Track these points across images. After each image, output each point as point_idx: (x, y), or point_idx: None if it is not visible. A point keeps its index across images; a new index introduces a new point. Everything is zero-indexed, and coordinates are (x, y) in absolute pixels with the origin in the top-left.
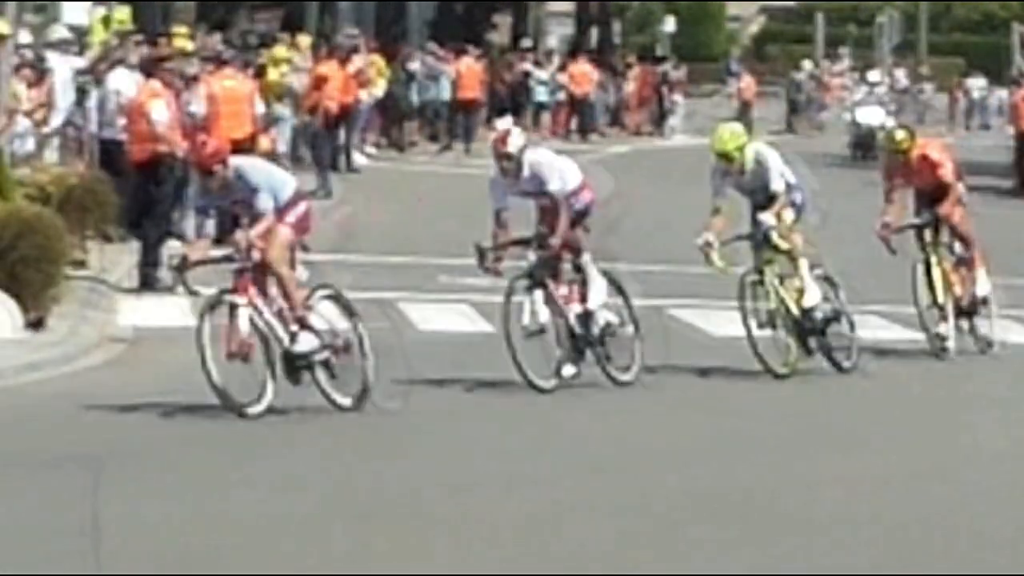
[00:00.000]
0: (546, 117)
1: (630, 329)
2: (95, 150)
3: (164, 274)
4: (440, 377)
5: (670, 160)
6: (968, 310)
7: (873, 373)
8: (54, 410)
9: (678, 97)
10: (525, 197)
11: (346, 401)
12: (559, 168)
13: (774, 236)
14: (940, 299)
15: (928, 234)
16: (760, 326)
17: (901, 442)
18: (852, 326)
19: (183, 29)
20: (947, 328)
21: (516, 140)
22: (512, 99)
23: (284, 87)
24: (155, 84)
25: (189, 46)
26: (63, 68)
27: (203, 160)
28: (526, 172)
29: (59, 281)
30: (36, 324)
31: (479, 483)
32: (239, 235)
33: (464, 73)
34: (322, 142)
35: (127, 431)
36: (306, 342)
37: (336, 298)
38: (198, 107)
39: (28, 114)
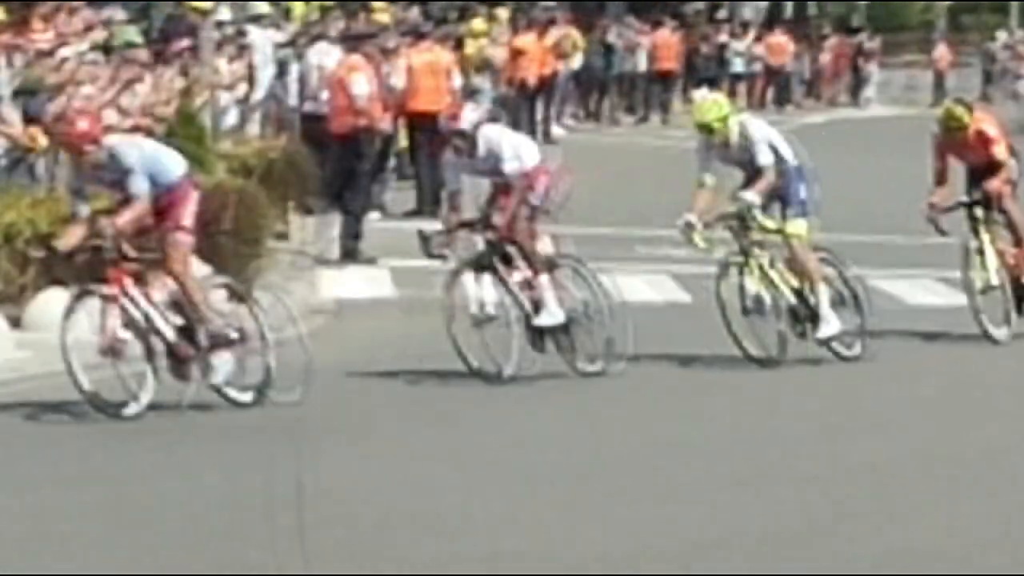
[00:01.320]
0: (742, 88)
1: (600, 318)
2: (296, 123)
3: (365, 246)
4: (642, 347)
5: (866, 130)
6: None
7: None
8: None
9: (873, 67)
10: (480, 176)
11: (245, 396)
12: (515, 146)
13: (757, 215)
14: (994, 281)
15: (980, 212)
16: (744, 312)
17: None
18: (860, 309)
19: (381, 3)
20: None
21: (469, 116)
22: (708, 70)
23: (482, 60)
24: (356, 58)
25: (387, 19)
26: (264, 42)
27: (73, 141)
28: (481, 150)
29: (262, 254)
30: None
31: (684, 445)
32: (104, 222)
33: (661, 44)
34: (520, 114)
35: (329, 400)
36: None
37: (228, 286)
38: (398, 80)
39: (229, 88)
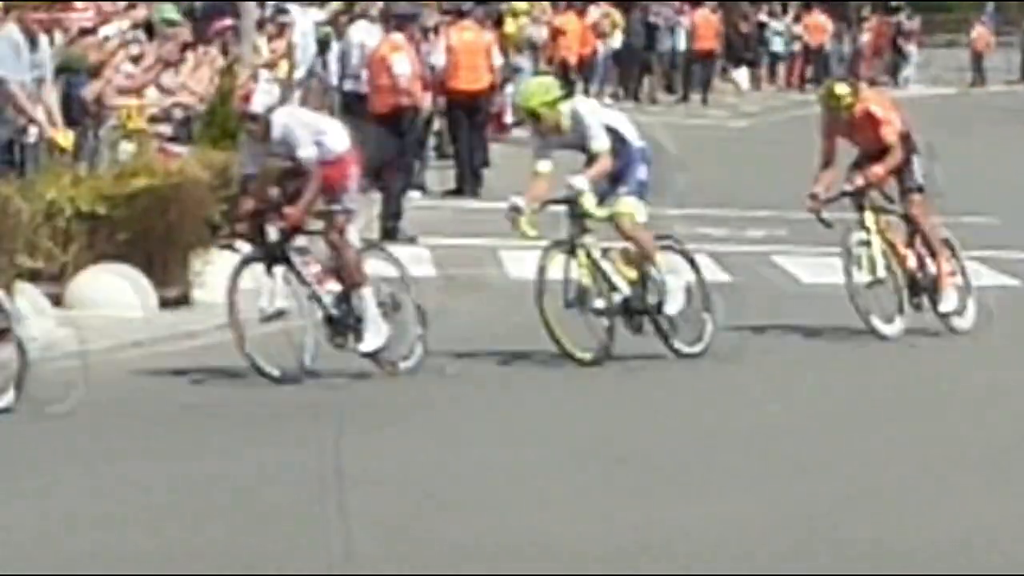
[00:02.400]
0: (781, 67)
1: (411, 311)
2: (336, 102)
3: (405, 225)
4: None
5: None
6: (924, 287)
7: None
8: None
9: (912, 47)
10: (279, 161)
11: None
12: (315, 131)
13: (585, 202)
14: (881, 274)
15: (867, 201)
16: (567, 304)
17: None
18: (709, 306)
19: None
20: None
21: (261, 99)
22: (747, 50)
23: (523, 38)
24: (396, 37)
25: None
26: (304, 21)
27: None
28: (276, 134)
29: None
30: None
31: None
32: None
33: (700, 24)
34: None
35: (370, 380)
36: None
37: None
38: (438, 59)
39: (269, 67)
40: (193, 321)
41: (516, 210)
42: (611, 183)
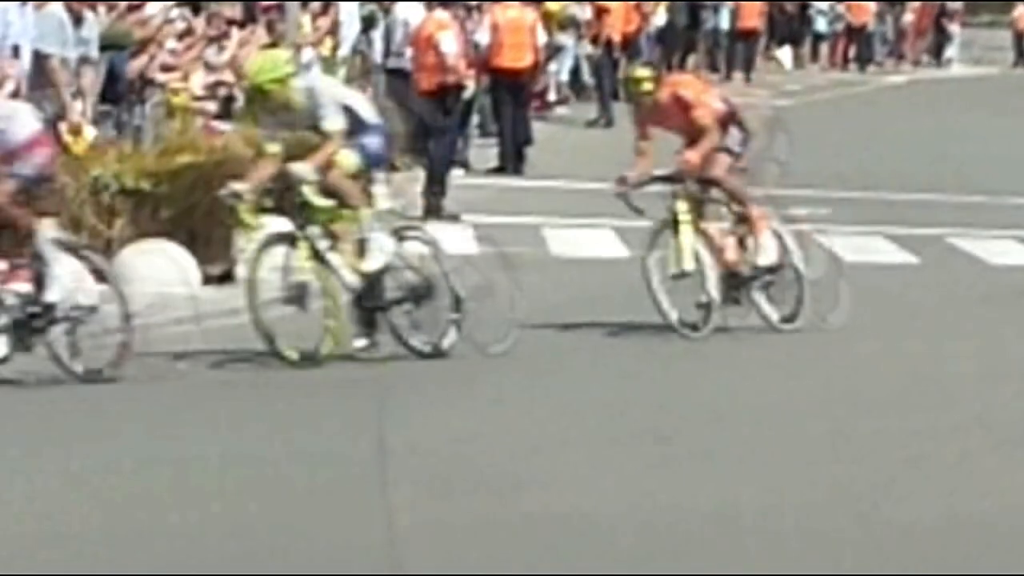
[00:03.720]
0: (824, 47)
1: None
2: (381, 79)
3: (448, 202)
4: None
5: (947, 90)
6: (749, 278)
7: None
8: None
9: (955, 27)
10: None
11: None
12: (5, 116)
13: (307, 192)
14: (688, 266)
15: (679, 188)
16: (286, 301)
17: None
18: (458, 304)
19: None
20: (709, 296)
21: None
22: (791, 29)
23: (567, 17)
24: (442, 15)
25: None
26: None
27: None
28: None
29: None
30: None
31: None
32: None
33: (744, 3)
34: (604, 71)
35: (410, 357)
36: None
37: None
38: (482, 37)
39: (314, 44)
40: (236, 298)
41: (236, 196)
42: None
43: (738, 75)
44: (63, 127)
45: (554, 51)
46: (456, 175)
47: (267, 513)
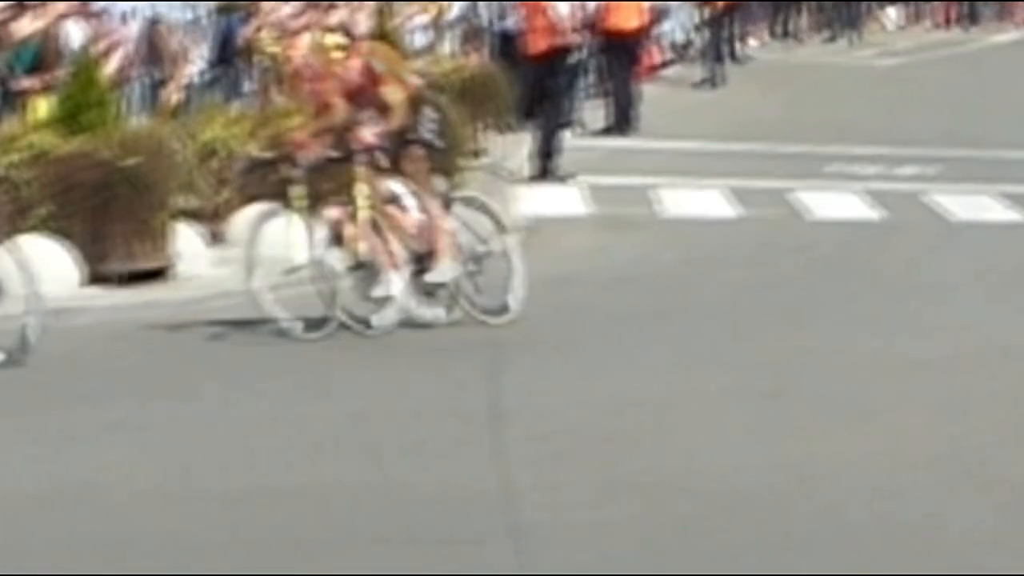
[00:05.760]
0: (931, 7)
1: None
2: (491, 42)
3: (560, 163)
4: (832, 262)
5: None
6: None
7: None
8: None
9: None
10: None
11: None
12: None
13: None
14: (363, 256)
15: (357, 171)
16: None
17: None
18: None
19: None
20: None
21: None
22: None
23: None
24: None
25: None
26: None
27: None
28: None
29: (455, 171)
30: None
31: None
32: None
33: None
34: (714, 31)
35: (525, 316)
36: None
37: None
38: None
39: (422, 9)
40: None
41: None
42: None
43: (846, 35)
44: (165, 92)
45: (663, 12)
46: (566, 137)
47: (380, 469)
